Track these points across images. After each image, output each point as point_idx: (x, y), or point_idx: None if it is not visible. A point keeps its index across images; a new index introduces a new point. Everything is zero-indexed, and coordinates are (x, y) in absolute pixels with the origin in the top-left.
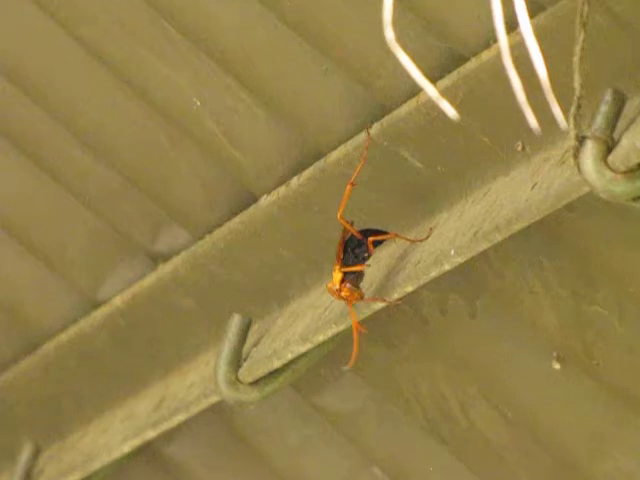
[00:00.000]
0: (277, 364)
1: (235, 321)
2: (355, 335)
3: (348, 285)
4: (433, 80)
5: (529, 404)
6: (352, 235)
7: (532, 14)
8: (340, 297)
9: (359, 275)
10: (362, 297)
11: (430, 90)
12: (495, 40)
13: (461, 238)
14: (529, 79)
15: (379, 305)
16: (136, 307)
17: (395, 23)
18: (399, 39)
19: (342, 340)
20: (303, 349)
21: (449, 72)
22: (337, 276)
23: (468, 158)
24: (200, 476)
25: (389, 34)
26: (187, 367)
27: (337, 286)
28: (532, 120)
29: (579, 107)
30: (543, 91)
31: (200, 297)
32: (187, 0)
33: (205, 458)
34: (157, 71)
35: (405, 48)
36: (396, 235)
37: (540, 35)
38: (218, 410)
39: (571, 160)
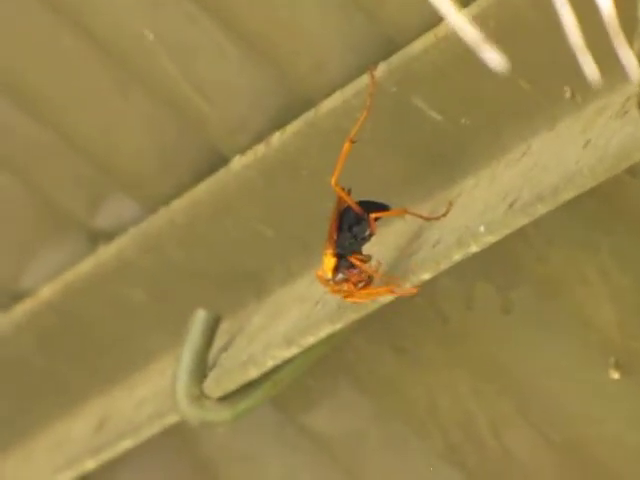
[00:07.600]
0: (254, 373)
1: (199, 318)
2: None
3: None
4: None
5: (579, 424)
6: (349, 208)
7: None
8: (334, 289)
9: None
10: (368, 282)
11: (471, 35)
12: None
13: (492, 211)
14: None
15: (386, 298)
16: (70, 300)
17: None
18: None
19: (338, 343)
20: (287, 354)
21: None
22: (329, 262)
23: (501, 108)
24: None
25: None
26: (136, 378)
27: (329, 275)
28: (590, 65)
29: None
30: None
31: (153, 287)
32: None
33: None
34: None
35: None
36: (406, 211)
37: None
38: (177, 434)
39: (634, 110)
